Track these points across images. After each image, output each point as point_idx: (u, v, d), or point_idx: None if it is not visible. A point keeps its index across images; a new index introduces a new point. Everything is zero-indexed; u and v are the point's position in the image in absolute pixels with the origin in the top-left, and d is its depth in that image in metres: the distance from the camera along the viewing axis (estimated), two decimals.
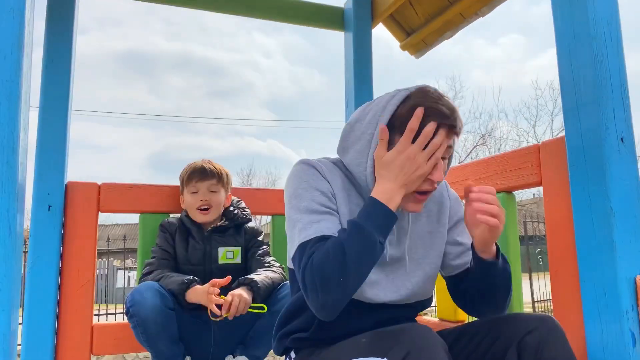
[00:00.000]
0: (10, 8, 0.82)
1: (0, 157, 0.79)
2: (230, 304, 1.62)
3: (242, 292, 1.67)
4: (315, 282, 1.00)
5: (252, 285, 1.69)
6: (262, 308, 1.68)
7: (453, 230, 1.33)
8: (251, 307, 1.67)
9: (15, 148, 0.79)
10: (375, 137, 1.11)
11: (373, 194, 1.07)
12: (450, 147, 1.12)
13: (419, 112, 1.06)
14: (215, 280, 1.66)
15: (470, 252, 1.22)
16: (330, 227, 1.07)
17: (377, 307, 1.16)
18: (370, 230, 1.02)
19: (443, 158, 1.11)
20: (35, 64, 0.95)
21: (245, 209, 2.01)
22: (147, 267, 1.82)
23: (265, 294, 1.72)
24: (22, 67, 0.82)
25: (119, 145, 47.78)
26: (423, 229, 1.26)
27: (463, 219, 1.35)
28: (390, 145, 1.10)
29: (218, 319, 1.66)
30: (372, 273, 1.13)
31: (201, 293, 1.66)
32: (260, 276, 1.75)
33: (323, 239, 1.05)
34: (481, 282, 1.18)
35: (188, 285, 1.69)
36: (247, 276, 1.75)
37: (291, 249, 1.11)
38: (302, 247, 1.06)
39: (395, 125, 1.09)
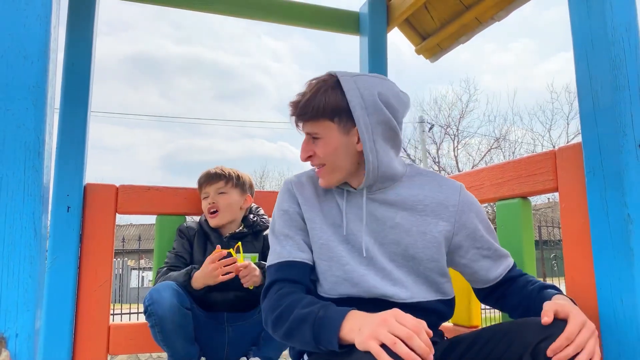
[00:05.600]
0: (37, 15, 0.84)
1: (26, 161, 0.81)
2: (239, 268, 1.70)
3: (256, 268, 1.73)
4: (263, 309, 1.19)
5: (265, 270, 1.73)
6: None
7: (474, 244, 1.30)
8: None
9: (41, 152, 0.81)
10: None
11: (344, 327, 0.98)
12: (307, 133, 1.26)
13: None
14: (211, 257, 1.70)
15: (508, 260, 1.32)
16: (290, 250, 1.24)
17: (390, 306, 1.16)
18: (318, 336, 1.02)
19: (315, 139, 1.24)
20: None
21: (264, 216, 2.03)
22: (158, 274, 1.85)
23: None
24: (49, 73, 0.84)
25: (130, 146, 48.25)
26: (406, 226, 1.25)
27: (482, 226, 1.32)
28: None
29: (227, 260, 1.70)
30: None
31: (202, 274, 1.69)
32: None
33: (283, 266, 1.21)
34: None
35: (190, 274, 1.72)
36: (262, 261, 1.79)
37: None
38: (268, 269, 1.25)
39: None
